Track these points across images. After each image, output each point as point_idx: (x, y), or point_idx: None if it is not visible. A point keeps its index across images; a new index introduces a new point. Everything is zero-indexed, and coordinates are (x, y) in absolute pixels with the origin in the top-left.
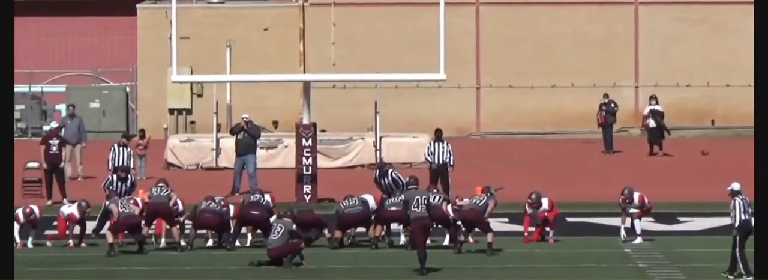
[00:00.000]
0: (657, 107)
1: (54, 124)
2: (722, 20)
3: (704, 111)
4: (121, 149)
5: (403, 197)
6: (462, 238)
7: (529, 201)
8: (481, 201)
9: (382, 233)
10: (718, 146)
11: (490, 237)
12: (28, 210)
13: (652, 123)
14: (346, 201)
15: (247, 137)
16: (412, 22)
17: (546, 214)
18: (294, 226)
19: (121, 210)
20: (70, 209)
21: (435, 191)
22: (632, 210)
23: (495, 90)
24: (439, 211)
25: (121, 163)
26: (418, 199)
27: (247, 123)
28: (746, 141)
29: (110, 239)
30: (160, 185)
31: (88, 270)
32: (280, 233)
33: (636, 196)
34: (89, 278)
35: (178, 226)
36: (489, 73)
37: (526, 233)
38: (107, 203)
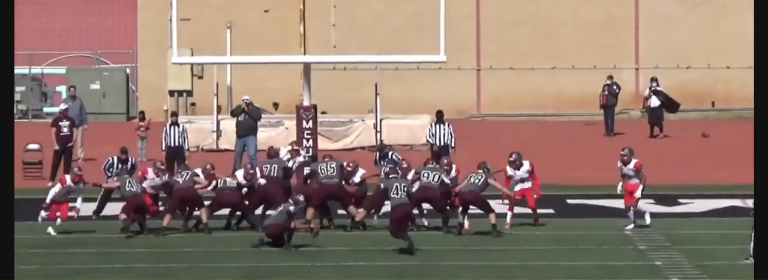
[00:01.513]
0: (659, 89)
1: (63, 106)
2: (723, 2)
3: (705, 93)
4: (172, 128)
5: (382, 185)
6: (461, 219)
7: (510, 160)
8: (479, 180)
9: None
10: (718, 128)
11: (492, 218)
12: (75, 171)
13: (654, 102)
14: (324, 165)
15: (248, 119)
16: (412, 4)
17: (527, 178)
18: (291, 207)
19: (128, 189)
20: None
21: (430, 165)
22: (630, 183)
23: (495, 72)
24: (432, 191)
25: (173, 143)
26: (397, 186)
27: (248, 105)
28: (747, 123)
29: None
30: (181, 171)
31: (89, 252)
32: (279, 211)
33: (634, 161)
34: (90, 260)
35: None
36: (489, 55)
37: (505, 195)
38: (114, 179)
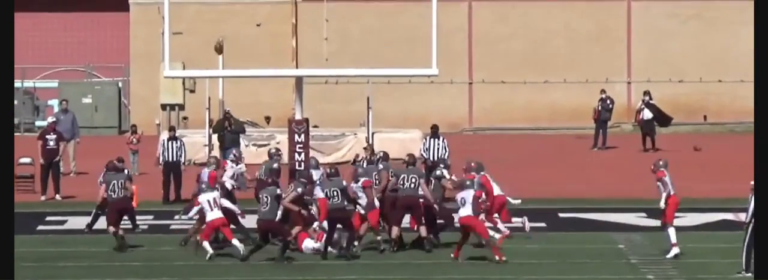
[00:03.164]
0: (651, 102)
1: (51, 119)
2: (715, 16)
3: (697, 107)
4: (170, 142)
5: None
6: (423, 233)
7: (464, 168)
8: (413, 183)
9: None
10: (710, 141)
11: (423, 231)
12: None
13: (647, 114)
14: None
15: (231, 132)
16: (404, 18)
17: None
18: (278, 191)
19: (109, 194)
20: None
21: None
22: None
23: (487, 86)
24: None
25: (171, 158)
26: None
27: (229, 118)
28: (739, 137)
29: (112, 230)
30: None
31: (81, 266)
32: (269, 202)
33: (659, 170)
34: (82, 273)
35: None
36: (481, 69)
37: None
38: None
